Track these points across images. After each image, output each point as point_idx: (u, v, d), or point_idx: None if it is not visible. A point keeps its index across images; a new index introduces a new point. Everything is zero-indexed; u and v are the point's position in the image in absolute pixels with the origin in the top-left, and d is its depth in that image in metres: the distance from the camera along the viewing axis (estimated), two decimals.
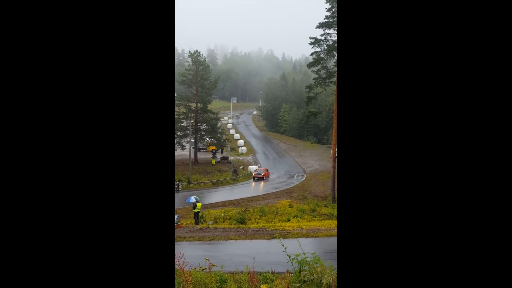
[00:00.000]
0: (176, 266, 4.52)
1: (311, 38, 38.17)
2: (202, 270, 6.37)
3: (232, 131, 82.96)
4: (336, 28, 36.16)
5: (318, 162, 60.77)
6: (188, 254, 5.13)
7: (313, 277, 5.27)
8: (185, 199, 33.65)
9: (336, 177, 33.60)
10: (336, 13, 35.61)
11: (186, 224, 26.60)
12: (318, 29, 37.93)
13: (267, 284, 6.83)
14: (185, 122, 58.45)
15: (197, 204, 27.22)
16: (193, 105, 59.69)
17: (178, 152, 58.71)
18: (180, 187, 44.55)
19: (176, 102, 60.25)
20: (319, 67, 38.60)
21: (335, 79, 36.90)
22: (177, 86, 71.73)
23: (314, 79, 39.63)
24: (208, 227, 24.47)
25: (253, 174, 51.83)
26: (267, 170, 53.40)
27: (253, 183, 48.40)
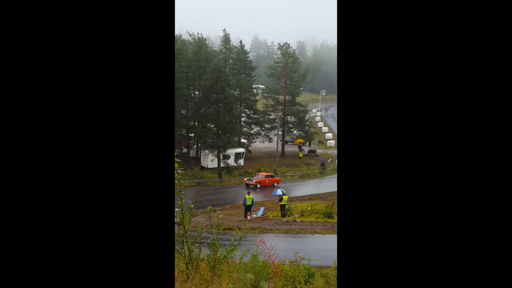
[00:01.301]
0: (266, 257, 4.49)
1: None
2: (292, 263, 6.31)
3: (320, 124, 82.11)
4: None
5: None
6: (275, 247, 5.09)
7: None
8: (271, 191, 33.92)
9: None
10: None
11: (272, 216, 26.77)
12: None
13: None
14: (273, 115, 58.81)
15: (284, 197, 27.29)
16: (281, 97, 59.85)
17: (265, 145, 59.29)
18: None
19: (264, 94, 60.79)
20: None
21: None
22: (265, 78, 72.27)
23: None
24: (295, 220, 24.45)
25: (245, 180, 43.47)
26: (271, 176, 43.80)
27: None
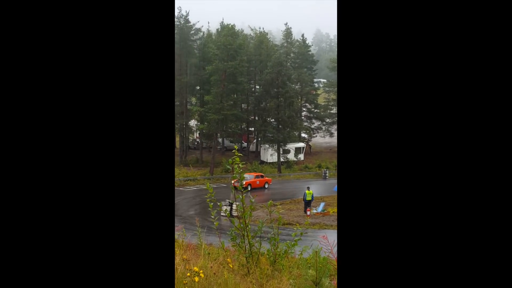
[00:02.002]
0: (327, 254, 4.39)
1: None
2: None
3: None
4: None
5: None
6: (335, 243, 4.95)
7: None
8: (332, 187, 33.51)
9: None
10: None
11: (333, 212, 26.46)
12: None
13: None
14: (334, 109, 58.09)
15: None
16: None
17: (326, 139, 58.71)
18: (327, 174, 44.53)
19: (326, 88, 60.12)
20: None
21: None
22: (327, 72, 71.44)
23: None
24: None
25: (233, 182, 36.18)
26: (261, 175, 39.44)
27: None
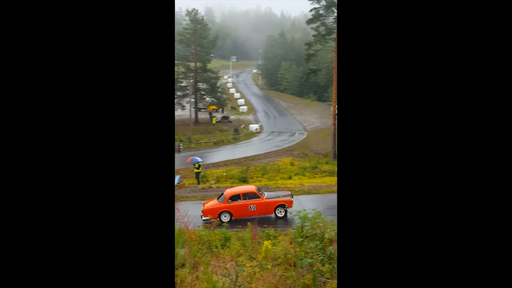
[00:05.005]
0: (182, 225, 4.61)
1: None
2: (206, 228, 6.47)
3: (232, 90, 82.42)
4: None
5: (318, 119, 60.73)
6: (191, 213, 5.20)
7: (315, 232, 5.39)
8: (185, 159, 33.83)
9: (336, 134, 33.41)
10: None
11: (189, 184, 26.87)
12: None
13: (270, 241, 6.97)
14: (184, 82, 58.03)
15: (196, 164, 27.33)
16: (192, 64, 59.06)
17: (178, 112, 58.57)
18: (181, 147, 44.71)
19: (175, 62, 59.60)
20: (318, 23, 37.96)
21: (334, 35, 36.24)
22: (175, 45, 70.67)
23: (314, 36, 38.97)
24: (211, 187, 24.73)
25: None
26: None
27: None
